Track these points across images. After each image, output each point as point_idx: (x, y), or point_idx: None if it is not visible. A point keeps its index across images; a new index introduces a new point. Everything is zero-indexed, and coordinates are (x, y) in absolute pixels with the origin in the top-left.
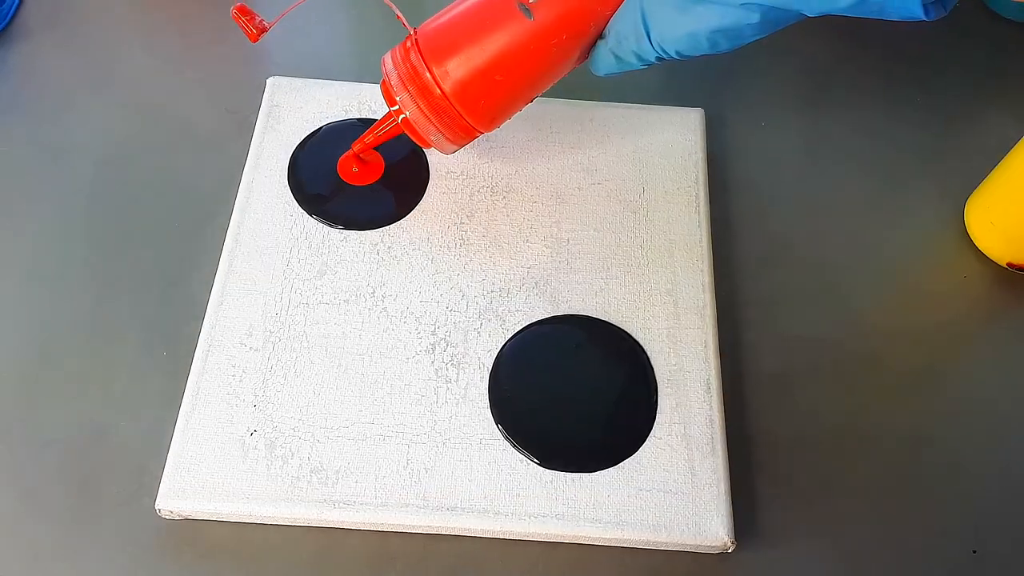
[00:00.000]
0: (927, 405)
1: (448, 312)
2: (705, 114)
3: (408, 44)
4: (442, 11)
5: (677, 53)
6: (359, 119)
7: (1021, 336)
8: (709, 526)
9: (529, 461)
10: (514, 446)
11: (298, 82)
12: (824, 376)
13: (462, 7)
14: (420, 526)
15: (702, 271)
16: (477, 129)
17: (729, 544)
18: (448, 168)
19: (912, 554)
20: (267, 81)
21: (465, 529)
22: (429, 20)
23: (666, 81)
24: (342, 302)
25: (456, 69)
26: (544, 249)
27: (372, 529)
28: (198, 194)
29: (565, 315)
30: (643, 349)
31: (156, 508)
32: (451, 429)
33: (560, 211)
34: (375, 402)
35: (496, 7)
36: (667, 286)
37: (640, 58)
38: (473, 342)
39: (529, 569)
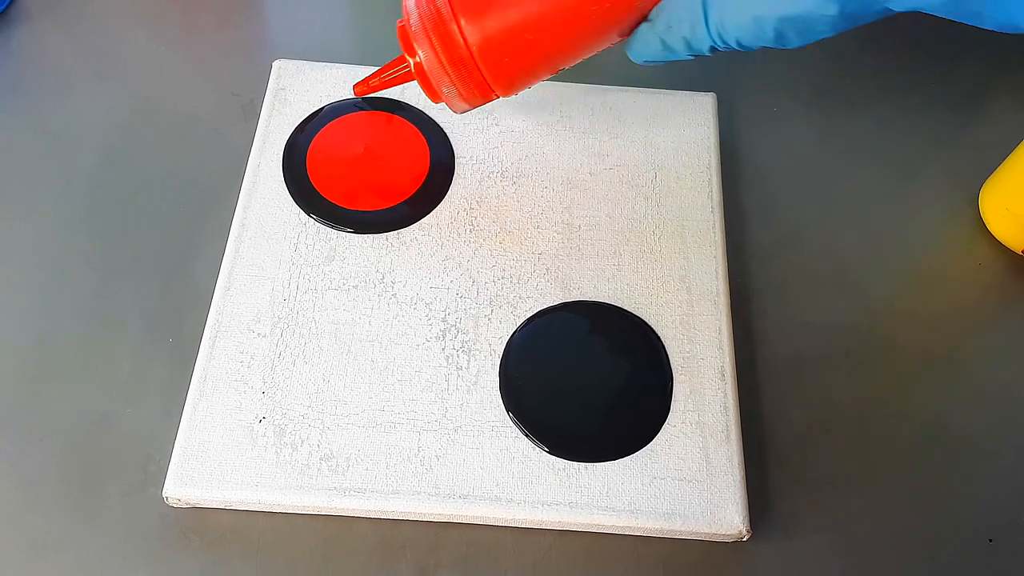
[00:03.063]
0: (942, 393)
1: (458, 298)
2: (717, 99)
3: None
4: None
5: (737, 42)
6: (363, 98)
7: None
8: (724, 514)
9: (541, 449)
10: (525, 434)
11: (304, 65)
12: (838, 365)
13: None
14: (431, 514)
15: (715, 257)
16: (494, 90)
17: (744, 533)
18: (458, 153)
19: (928, 543)
20: (273, 64)
21: (477, 517)
22: None
23: (677, 65)
24: (351, 288)
25: (485, 20)
26: (555, 235)
27: (383, 517)
28: (202, 179)
29: (577, 301)
30: (658, 336)
31: (163, 496)
32: (462, 416)
33: (571, 197)
34: (385, 389)
35: None
36: (680, 272)
37: (690, 46)
38: (484, 329)
39: (541, 557)
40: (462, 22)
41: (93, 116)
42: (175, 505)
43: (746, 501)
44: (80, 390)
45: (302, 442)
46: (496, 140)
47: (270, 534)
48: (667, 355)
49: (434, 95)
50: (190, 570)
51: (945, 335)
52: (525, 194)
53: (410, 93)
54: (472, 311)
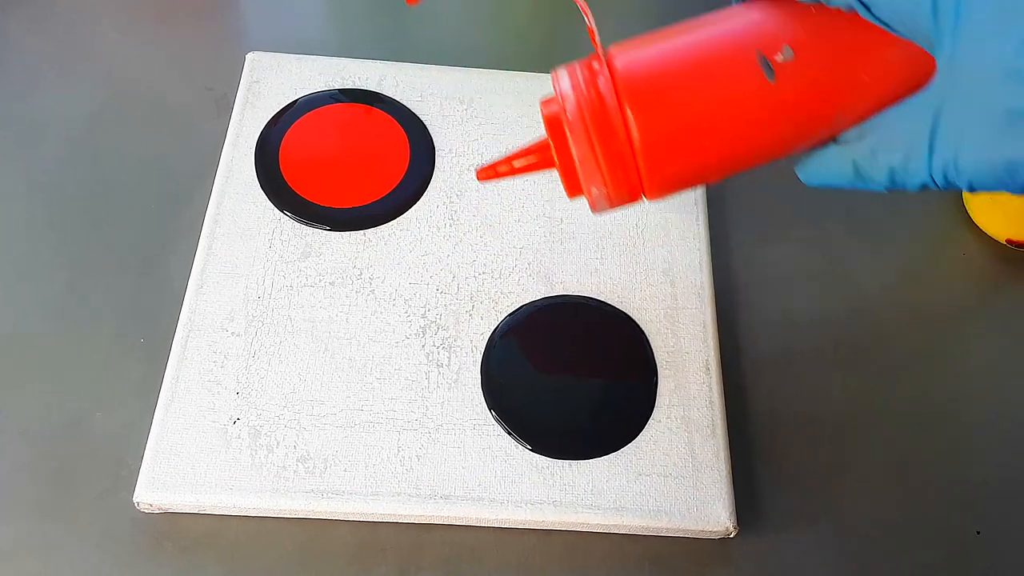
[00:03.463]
0: (928, 384)
1: (438, 294)
2: None
3: (595, 66)
4: (647, 37)
5: (969, 184)
6: (340, 90)
7: (1022, 312)
8: (711, 511)
9: (524, 447)
10: (508, 432)
11: (279, 57)
12: (824, 356)
13: (679, 41)
14: (412, 515)
15: (699, 250)
16: (647, 194)
17: (732, 529)
18: (436, 147)
19: (916, 536)
20: (247, 56)
21: (459, 518)
22: (629, 44)
23: None
24: (327, 284)
25: (658, 117)
26: (537, 228)
27: (362, 520)
28: (175, 175)
29: (559, 296)
30: (642, 330)
31: (134, 501)
32: (443, 415)
33: (552, 189)
34: (364, 388)
35: (727, 52)
36: (663, 265)
37: (894, 179)
38: (465, 325)
39: (525, 558)
40: (630, 117)
41: (62, 110)
42: (147, 510)
43: (733, 497)
44: (49, 391)
45: (278, 443)
46: (475, 132)
47: (245, 538)
48: (651, 349)
49: (575, 190)
50: None
51: (931, 326)
52: (505, 187)
53: (387, 83)
54: (452, 307)
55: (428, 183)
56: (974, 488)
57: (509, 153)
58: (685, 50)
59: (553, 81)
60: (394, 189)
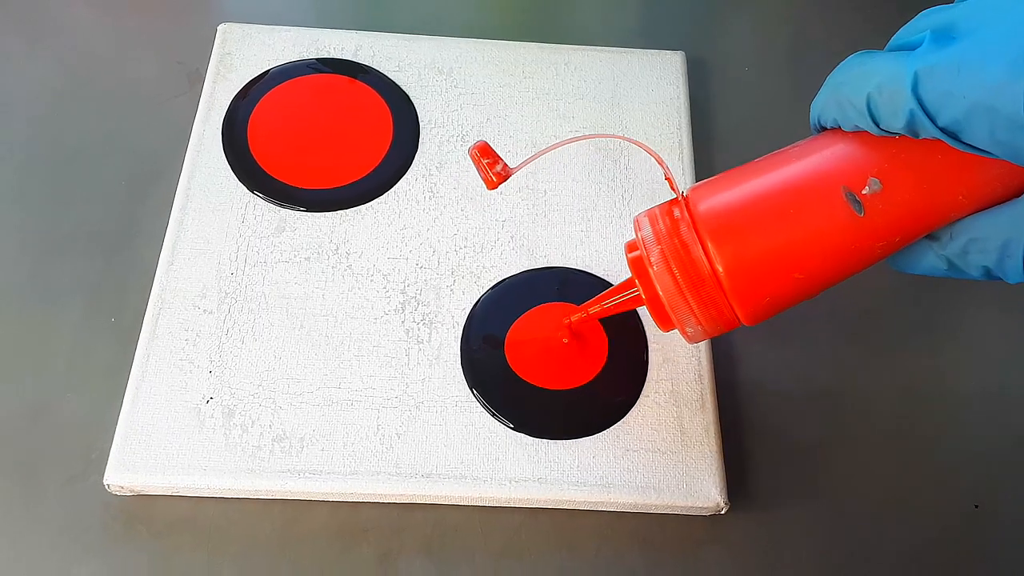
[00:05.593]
0: (925, 358)
1: (418, 269)
2: (686, 57)
3: (676, 214)
4: (725, 177)
5: None
6: (318, 59)
7: (1019, 286)
8: (701, 487)
9: (507, 426)
10: (490, 412)
11: (251, 28)
12: (818, 329)
13: (759, 183)
14: (393, 495)
15: None
16: (744, 323)
17: (722, 505)
18: (416, 116)
19: (912, 511)
20: (218, 28)
21: (441, 497)
22: (708, 186)
23: (642, 23)
24: (303, 260)
25: (745, 262)
26: (520, 201)
27: (341, 500)
28: (146, 150)
29: (543, 268)
30: None
31: (105, 483)
32: (424, 392)
33: (536, 161)
34: (341, 365)
35: (810, 191)
36: None
37: (989, 275)
38: (446, 300)
39: (511, 537)
40: (718, 264)
41: (26, 85)
42: (118, 493)
43: (723, 472)
44: (17, 374)
45: (252, 423)
46: (456, 103)
47: (221, 521)
48: (640, 322)
49: (666, 325)
50: (137, 561)
51: (927, 299)
52: None
53: (364, 53)
54: (433, 282)
55: (412, 160)
56: (972, 461)
57: (596, 296)
58: (767, 193)
59: (636, 228)
60: (376, 168)
